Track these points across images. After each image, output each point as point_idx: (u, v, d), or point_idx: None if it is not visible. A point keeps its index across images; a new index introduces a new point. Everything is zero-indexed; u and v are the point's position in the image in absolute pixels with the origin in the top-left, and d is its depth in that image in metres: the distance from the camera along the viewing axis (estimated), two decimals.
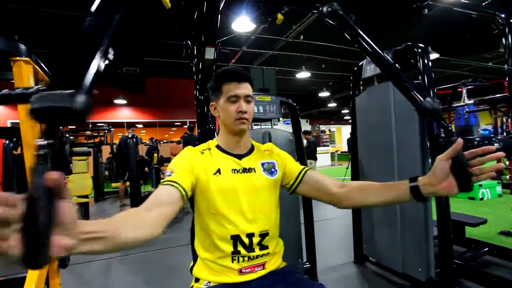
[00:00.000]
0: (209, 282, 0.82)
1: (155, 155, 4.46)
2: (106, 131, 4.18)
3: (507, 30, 1.56)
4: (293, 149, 1.96)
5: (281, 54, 6.96)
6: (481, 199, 4.30)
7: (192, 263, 0.91)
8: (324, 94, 10.77)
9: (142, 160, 4.04)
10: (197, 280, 0.86)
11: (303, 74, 8.22)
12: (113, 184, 6.45)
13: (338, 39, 6.13)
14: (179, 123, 12.49)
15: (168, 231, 3.45)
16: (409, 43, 1.75)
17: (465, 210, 3.46)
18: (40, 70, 1.32)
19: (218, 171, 0.85)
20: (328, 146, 15.19)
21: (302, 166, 0.96)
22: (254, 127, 2.22)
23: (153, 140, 6.26)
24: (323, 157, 12.05)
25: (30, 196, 0.34)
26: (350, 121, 2.36)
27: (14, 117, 7.41)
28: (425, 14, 4.39)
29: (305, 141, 7.12)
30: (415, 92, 0.83)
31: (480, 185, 4.36)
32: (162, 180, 0.80)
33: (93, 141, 4.44)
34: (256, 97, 1.86)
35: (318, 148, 7.93)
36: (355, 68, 2.22)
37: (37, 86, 0.64)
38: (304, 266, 1.97)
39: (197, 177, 0.83)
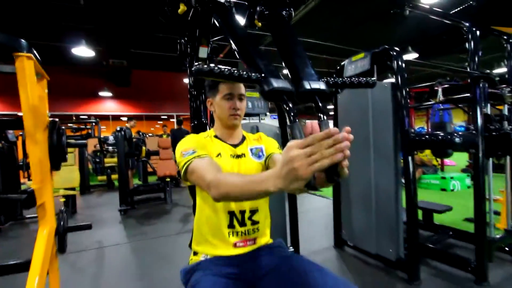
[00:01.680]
0: (207, 255, 0.95)
1: (144, 148, 4.49)
2: (94, 123, 4.17)
3: (470, 37, 1.75)
4: (279, 142, 2.10)
5: (269, 50, 7.06)
6: (452, 190, 4.64)
7: (190, 240, 1.04)
8: None
9: (130, 153, 4.07)
10: (195, 253, 0.98)
11: None
12: (99, 177, 6.41)
13: (325, 37, 6.31)
14: (166, 117, 12.39)
15: (158, 222, 3.54)
16: (386, 46, 1.91)
17: (437, 200, 3.74)
18: (37, 63, 1.38)
19: (220, 154, 0.98)
20: None
21: (275, 150, 1.06)
22: (243, 121, 2.33)
23: (140, 133, 6.25)
24: None
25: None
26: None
27: None
28: (408, 16, 4.63)
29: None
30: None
31: (452, 177, 4.71)
32: (189, 157, 0.86)
33: (80, 133, 4.41)
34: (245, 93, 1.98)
35: None
36: (337, 67, 2.37)
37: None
38: (289, 250, 2.14)
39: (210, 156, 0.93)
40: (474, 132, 1.70)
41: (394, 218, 1.89)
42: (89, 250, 2.61)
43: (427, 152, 5.29)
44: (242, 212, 0.97)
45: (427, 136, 1.78)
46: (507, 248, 2.09)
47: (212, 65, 0.60)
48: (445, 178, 4.77)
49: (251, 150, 1.05)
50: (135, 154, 4.06)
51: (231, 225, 0.95)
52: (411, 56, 7.05)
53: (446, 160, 6.38)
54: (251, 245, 0.98)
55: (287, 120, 0.62)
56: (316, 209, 3.90)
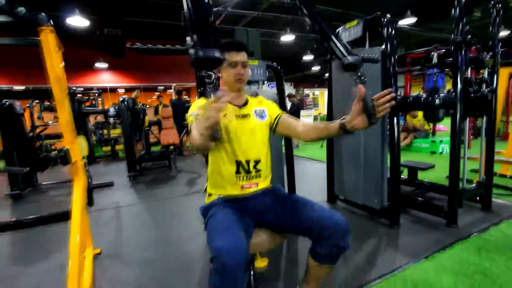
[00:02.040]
0: (220, 195, 1.18)
1: (146, 117, 4.64)
2: (97, 94, 4.26)
3: (455, 3, 1.85)
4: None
5: (266, 16, 6.90)
6: (441, 153, 4.92)
7: (206, 186, 1.26)
8: (308, 57, 10.85)
9: (135, 122, 4.23)
10: (210, 195, 1.21)
11: (288, 37, 8.23)
12: (104, 148, 6.63)
13: (325, 1, 6.15)
14: (162, 87, 12.30)
15: (165, 186, 3.82)
16: (378, 13, 2.01)
17: (425, 161, 4.02)
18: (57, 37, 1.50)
19: (225, 115, 1.17)
20: (311, 109, 15.59)
21: (280, 112, 1.28)
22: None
23: (141, 104, 6.35)
24: (306, 119, 12.49)
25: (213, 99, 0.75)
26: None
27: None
28: None
29: (289, 104, 7.42)
30: (342, 52, 1.18)
31: (441, 141, 4.96)
32: (192, 119, 1.05)
33: (84, 105, 4.52)
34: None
35: (302, 111, 8.27)
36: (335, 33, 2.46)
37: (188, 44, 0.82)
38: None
39: None
40: (453, 94, 1.88)
41: (379, 173, 2.14)
42: (108, 209, 2.90)
43: (420, 117, 5.49)
44: (248, 162, 1.18)
45: (410, 99, 1.95)
46: (478, 198, 2.37)
47: (149, 44, 0.79)
48: (434, 142, 5.02)
49: (255, 111, 1.24)
50: (139, 124, 4.22)
51: (238, 172, 1.16)
52: (410, 20, 6.93)
53: (439, 126, 6.60)
54: (255, 187, 1.20)
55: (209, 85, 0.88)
56: (313, 172, 4.19)
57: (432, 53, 3.52)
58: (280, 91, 2.39)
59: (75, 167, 1.53)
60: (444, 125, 7.07)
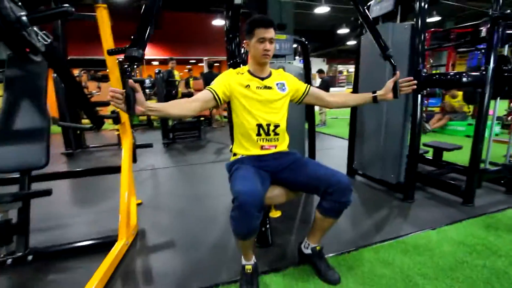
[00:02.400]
0: (242, 155, 1.37)
1: (180, 89, 4.93)
2: (135, 66, 4.59)
3: None
4: (303, 80, 2.36)
5: None
6: None
7: (231, 146, 1.46)
8: (344, 31, 10.32)
9: (169, 93, 4.54)
10: (235, 154, 1.41)
11: (322, 9, 7.87)
12: (140, 117, 7.15)
13: None
14: (194, 61, 12.54)
15: (195, 153, 4.15)
16: None
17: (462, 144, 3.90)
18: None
19: (248, 86, 1.32)
20: (344, 87, 15.01)
21: (306, 84, 1.41)
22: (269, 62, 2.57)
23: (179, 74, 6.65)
24: None
25: (126, 88, 0.90)
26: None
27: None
28: None
29: (318, 80, 7.29)
30: (382, 42, 1.31)
31: None
32: (207, 87, 1.32)
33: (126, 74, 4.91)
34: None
35: (333, 89, 8.09)
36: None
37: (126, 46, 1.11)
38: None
39: (233, 88, 1.30)
40: (484, 72, 1.83)
41: (398, 150, 2.20)
42: (146, 170, 3.29)
43: (459, 98, 5.17)
44: (268, 125, 1.34)
45: (436, 76, 1.94)
46: (502, 181, 2.34)
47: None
48: (471, 125, 4.76)
49: (277, 84, 1.38)
50: (172, 95, 4.51)
51: (258, 134, 1.33)
52: None
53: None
54: (273, 149, 1.37)
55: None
56: (336, 148, 4.26)
57: (481, 28, 3.24)
58: (307, 65, 2.45)
59: (123, 127, 1.81)
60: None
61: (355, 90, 2.63)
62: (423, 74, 1.96)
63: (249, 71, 1.37)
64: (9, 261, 1.41)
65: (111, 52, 1.18)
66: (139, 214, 2.08)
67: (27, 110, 1.64)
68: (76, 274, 1.40)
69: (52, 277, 1.39)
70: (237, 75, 1.35)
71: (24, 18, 0.97)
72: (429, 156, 2.90)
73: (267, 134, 1.34)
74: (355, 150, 2.72)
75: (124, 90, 0.95)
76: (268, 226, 1.64)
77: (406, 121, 2.14)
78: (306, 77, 2.47)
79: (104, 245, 1.55)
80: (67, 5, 1.03)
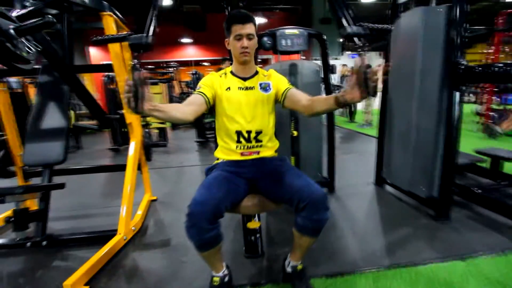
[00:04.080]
0: (223, 159, 1.30)
1: None
2: (175, 68, 4.88)
3: None
4: (318, 79, 2.17)
5: None
6: None
7: (215, 150, 1.41)
8: None
9: None
10: (217, 159, 1.35)
11: None
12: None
13: None
14: None
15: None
16: None
17: None
18: (119, 21, 1.82)
19: (229, 88, 1.24)
20: None
21: (288, 86, 1.27)
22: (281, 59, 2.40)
23: None
24: None
25: (134, 81, 0.83)
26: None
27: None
28: None
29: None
30: (344, 19, 1.05)
31: None
32: (194, 91, 1.24)
33: (164, 77, 5.26)
34: (285, 31, 2.06)
35: None
36: None
37: (127, 32, 1.05)
38: (323, 179, 2.36)
39: (216, 91, 1.23)
40: None
41: (430, 158, 1.85)
42: (173, 167, 3.46)
43: None
44: (249, 132, 1.25)
45: (479, 68, 1.56)
46: None
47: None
48: None
49: (260, 84, 1.27)
50: None
51: (238, 141, 1.25)
52: None
53: None
54: (255, 155, 1.27)
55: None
56: (372, 152, 3.85)
57: None
58: (324, 62, 2.25)
59: (131, 128, 1.91)
60: None
61: (385, 86, 2.31)
62: (462, 67, 1.60)
63: (231, 72, 1.30)
64: (28, 244, 1.62)
65: (96, 41, 1.18)
66: (149, 210, 2.19)
67: (52, 112, 1.85)
68: (75, 263, 1.51)
69: (56, 263, 1.54)
70: (220, 77, 1.28)
71: (11, 31, 1.07)
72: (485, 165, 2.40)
73: (248, 141, 1.25)
74: (384, 155, 2.40)
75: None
76: (258, 235, 1.54)
77: (441, 122, 1.79)
78: (324, 74, 2.26)
79: (105, 238, 1.66)
80: (50, 16, 1.10)
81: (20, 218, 1.49)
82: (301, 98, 1.20)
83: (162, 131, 5.00)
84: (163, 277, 1.39)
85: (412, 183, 2.02)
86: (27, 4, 1.41)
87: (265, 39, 2.08)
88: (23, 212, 1.51)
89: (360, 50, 1.02)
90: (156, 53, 8.80)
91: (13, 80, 3.81)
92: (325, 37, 2.18)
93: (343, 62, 9.62)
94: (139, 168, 2.13)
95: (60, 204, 2.35)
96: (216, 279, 1.17)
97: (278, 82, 1.28)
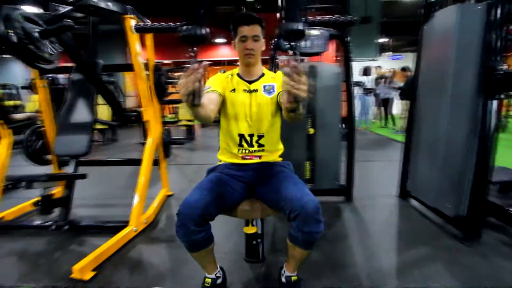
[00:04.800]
0: (225, 162, 1.30)
1: None
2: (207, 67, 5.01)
3: None
4: (338, 82, 2.07)
5: None
6: None
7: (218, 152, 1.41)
8: None
9: None
10: (219, 161, 1.35)
11: None
12: None
13: None
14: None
15: None
16: None
17: None
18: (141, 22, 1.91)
19: (234, 89, 1.23)
20: None
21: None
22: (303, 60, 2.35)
23: None
24: None
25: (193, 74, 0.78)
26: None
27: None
28: None
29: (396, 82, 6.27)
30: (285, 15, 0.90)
31: None
32: (205, 90, 1.18)
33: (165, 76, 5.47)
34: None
35: None
36: None
37: (179, 23, 0.97)
38: (340, 186, 2.25)
39: (223, 91, 1.23)
40: None
41: (459, 172, 1.66)
42: (196, 164, 3.56)
43: None
44: (251, 136, 1.23)
45: None
46: None
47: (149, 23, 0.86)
48: None
49: (264, 86, 1.24)
50: None
51: (240, 145, 1.23)
52: None
53: None
54: (257, 159, 1.24)
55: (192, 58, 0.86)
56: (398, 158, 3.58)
57: None
58: (346, 65, 2.13)
59: (148, 125, 2.00)
60: None
61: (413, 92, 2.13)
62: (500, 72, 1.41)
63: (238, 74, 1.28)
64: (53, 227, 1.78)
65: (139, 29, 1.09)
66: (163, 205, 2.27)
67: (80, 108, 2.01)
68: (89, 249, 1.61)
69: (72, 247, 1.67)
70: (226, 78, 1.28)
71: (36, 34, 1.18)
72: None
73: (250, 145, 1.23)
74: (409, 166, 2.21)
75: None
76: (260, 240, 1.51)
77: (474, 134, 1.59)
78: (346, 77, 2.15)
79: (118, 228, 1.76)
80: (69, 21, 1.19)
81: (45, 203, 1.64)
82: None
83: (190, 129, 5.18)
84: (163, 272, 1.42)
85: (438, 198, 1.83)
86: (60, 8, 1.54)
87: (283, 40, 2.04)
88: (48, 198, 1.66)
89: (292, 50, 0.91)
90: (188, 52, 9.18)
91: (61, 76, 4.20)
92: (348, 38, 2.07)
93: (380, 64, 9.12)
94: (155, 163, 2.22)
95: (87, 192, 2.55)
96: (208, 280, 1.17)
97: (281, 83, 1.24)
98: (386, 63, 9.48)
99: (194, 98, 0.82)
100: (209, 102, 1.11)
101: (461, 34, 1.59)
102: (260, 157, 1.25)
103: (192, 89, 0.79)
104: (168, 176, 2.54)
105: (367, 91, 5.83)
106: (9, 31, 1.07)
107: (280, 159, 1.33)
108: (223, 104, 1.24)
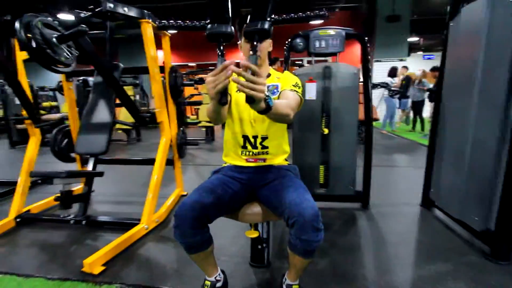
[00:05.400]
0: (229, 164, 1.29)
1: None
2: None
3: None
4: (356, 83, 1.98)
5: None
6: None
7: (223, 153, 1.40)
8: None
9: None
10: (224, 162, 1.34)
11: None
12: None
13: None
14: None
15: None
16: None
17: None
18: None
19: (238, 90, 1.22)
20: None
21: (288, 87, 1.16)
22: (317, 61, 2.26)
23: None
24: None
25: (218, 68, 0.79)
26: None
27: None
28: None
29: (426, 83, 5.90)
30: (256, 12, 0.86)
31: None
32: None
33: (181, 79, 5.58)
34: (318, 32, 1.94)
35: None
36: None
37: (204, 21, 0.96)
38: (357, 193, 2.14)
39: (230, 91, 1.22)
40: None
41: (488, 181, 1.51)
42: (213, 165, 3.60)
43: None
44: (255, 137, 1.21)
45: None
46: None
47: (172, 21, 0.85)
48: None
49: (267, 87, 1.21)
50: None
51: (244, 146, 1.22)
52: None
53: None
54: (261, 162, 1.22)
55: (219, 56, 0.84)
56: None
57: None
58: (365, 66, 2.03)
59: (162, 125, 2.05)
60: None
61: (438, 91, 1.98)
62: None
63: None
64: (72, 221, 1.88)
65: (163, 27, 1.07)
66: (177, 205, 2.31)
67: (100, 109, 2.10)
68: (102, 244, 1.68)
69: (87, 241, 1.75)
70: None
71: (54, 39, 1.25)
72: None
73: (254, 146, 1.21)
74: (433, 173, 2.06)
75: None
76: (265, 245, 1.48)
77: (505, 140, 1.44)
78: (364, 77, 2.06)
79: (131, 225, 1.81)
80: (83, 26, 1.25)
81: (65, 199, 1.73)
82: (284, 104, 1.03)
83: (209, 129, 5.26)
84: (168, 271, 1.44)
85: (464, 210, 1.68)
86: (82, 14, 1.62)
87: (298, 40, 2.00)
88: (68, 194, 1.76)
89: (252, 50, 0.86)
90: (212, 55, 9.38)
91: (91, 79, 4.48)
92: (366, 38, 1.98)
93: (411, 64, 8.65)
94: (171, 163, 2.27)
95: (108, 189, 2.68)
96: (208, 283, 1.16)
97: (285, 83, 1.20)
98: (418, 63, 8.97)
99: (222, 96, 0.82)
100: None
101: (491, 30, 1.45)
102: (264, 160, 1.22)
103: (222, 86, 0.79)
104: (184, 176, 2.59)
105: (393, 92, 5.54)
106: (29, 36, 1.15)
107: (286, 163, 1.29)
108: (229, 105, 1.23)
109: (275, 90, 1.21)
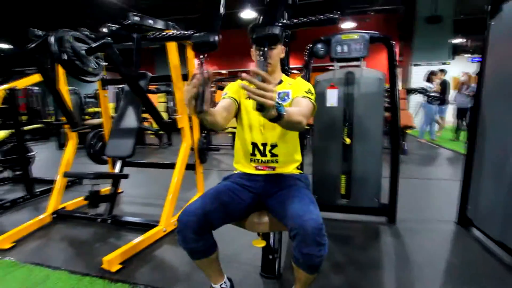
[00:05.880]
0: (239, 171, 1.28)
1: None
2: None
3: None
4: (380, 89, 1.87)
5: None
6: None
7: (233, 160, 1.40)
8: None
9: None
10: (235, 169, 1.34)
11: None
12: None
13: None
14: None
15: None
16: None
17: None
18: None
19: (249, 97, 1.21)
20: None
21: (300, 94, 1.13)
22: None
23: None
24: None
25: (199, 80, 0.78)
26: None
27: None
28: None
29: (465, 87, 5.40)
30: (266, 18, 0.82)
31: None
32: (222, 96, 1.23)
33: None
34: (341, 36, 1.88)
35: None
36: None
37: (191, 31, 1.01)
38: (383, 206, 1.99)
39: (239, 98, 1.23)
40: None
41: None
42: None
43: None
44: (264, 145, 1.19)
45: None
46: None
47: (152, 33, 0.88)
48: None
49: (279, 94, 1.19)
50: None
51: (253, 154, 1.20)
52: None
53: None
54: (270, 170, 1.19)
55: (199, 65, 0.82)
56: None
57: None
58: (391, 72, 1.91)
59: (182, 131, 2.12)
60: None
61: (478, 95, 1.79)
62: None
63: None
64: (99, 219, 2.01)
65: (152, 39, 1.18)
66: None
67: (129, 115, 2.24)
68: (123, 242, 1.77)
69: (111, 240, 1.85)
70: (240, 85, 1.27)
71: (83, 51, 1.37)
72: None
73: (263, 154, 1.19)
74: (471, 189, 1.85)
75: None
76: (276, 255, 1.44)
77: None
78: (391, 82, 1.93)
79: (151, 226, 1.88)
80: (108, 39, 1.35)
81: (92, 198, 1.86)
82: (296, 111, 0.99)
83: (234, 135, 5.33)
84: (179, 275, 1.46)
85: (505, 230, 1.48)
86: (113, 28, 1.75)
87: (319, 46, 1.96)
88: (95, 194, 1.89)
89: (261, 56, 0.82)
90: (239, 62, 9.59)
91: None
92: (393, 42, 1.86)
93: (456, 68, 7.99)
94: (192, 168, 2.33)
95: (136, 191, 2.82)
96: None
97: (297, 90, 1.17)
98: (463, 67, 8.25)
99: (196, 104, 0.80)
100: (222, 109, 1.12)
101: (506, 29, 1.28)
102: (274, 168, 1.19)
103: (195, 93, 0.78)
104: (207, 181, 2.65)
105: (432, 98, 5.14)
106: (61, 49, 1.27)
107: (297, 171, 1.25)
108: (238, 111, 1.23)
109: (286, 97, 1.18)
